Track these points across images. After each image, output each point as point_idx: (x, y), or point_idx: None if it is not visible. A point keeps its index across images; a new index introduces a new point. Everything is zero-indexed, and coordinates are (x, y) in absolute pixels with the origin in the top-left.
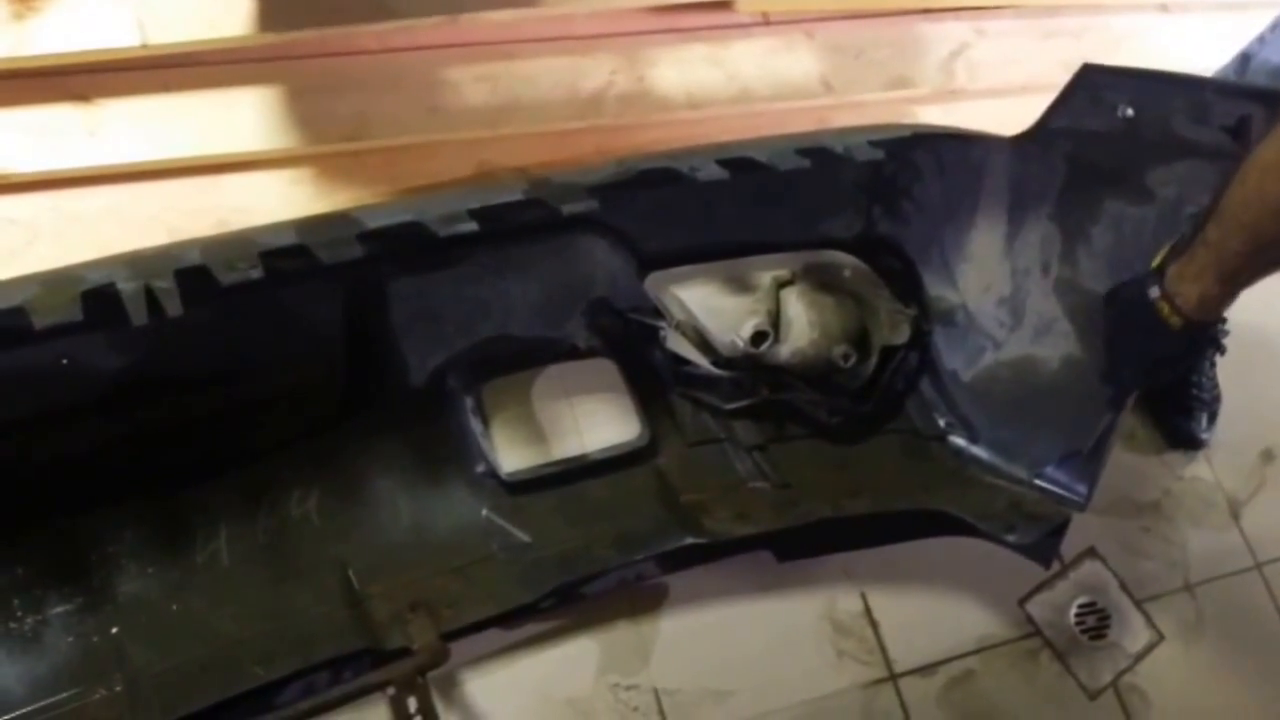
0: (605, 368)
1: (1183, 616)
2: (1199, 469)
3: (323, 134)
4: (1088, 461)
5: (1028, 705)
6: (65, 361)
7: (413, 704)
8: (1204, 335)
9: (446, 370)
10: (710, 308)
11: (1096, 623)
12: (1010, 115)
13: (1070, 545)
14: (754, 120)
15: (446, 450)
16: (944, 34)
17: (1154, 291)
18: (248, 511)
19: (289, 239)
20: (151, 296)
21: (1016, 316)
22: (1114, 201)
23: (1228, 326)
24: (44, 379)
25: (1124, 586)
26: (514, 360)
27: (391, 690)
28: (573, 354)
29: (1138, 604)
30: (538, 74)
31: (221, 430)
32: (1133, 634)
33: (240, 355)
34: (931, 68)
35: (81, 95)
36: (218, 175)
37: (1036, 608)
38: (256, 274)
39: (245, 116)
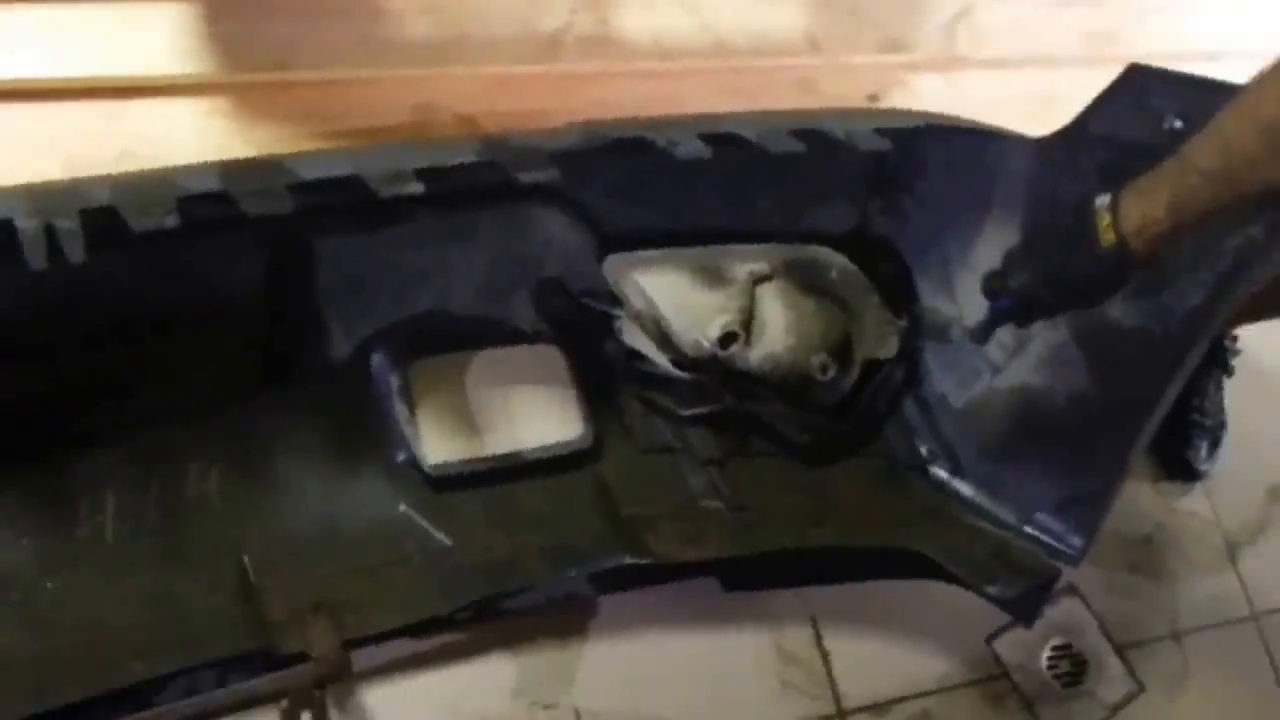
0: (550, 356)
1: (1167, 667)
2: (1196, 503)
3: (244, 60)
4: (1088, 511)
5: None
6: None
7: (306, 718)
8: (1127, 270)
9: (373, 345)
10: (675, 300)
11: (1071, 668)
12: (1017, 89)
13: None
14: (730, 78)
15: (366, 434)
16: None
17: (1103, 199)
18: (140, 484)
19: (211, 184)
20: (52, 238)
21: (1020, 340)
22: None
23: (1239, 346)
24: None
25: (1104, 629)
26: (449, 339)
27: (284, 703)
28: (515, 337)
29: (1118, 650)
30: (489, 7)
31: (118, 392)
32: (1110, 683)
33: (146, 310)
34: (932, 30)
35: None
36: (124, 100)
37: (1005, 647)
38: (173, 222)
39: (157, 34)
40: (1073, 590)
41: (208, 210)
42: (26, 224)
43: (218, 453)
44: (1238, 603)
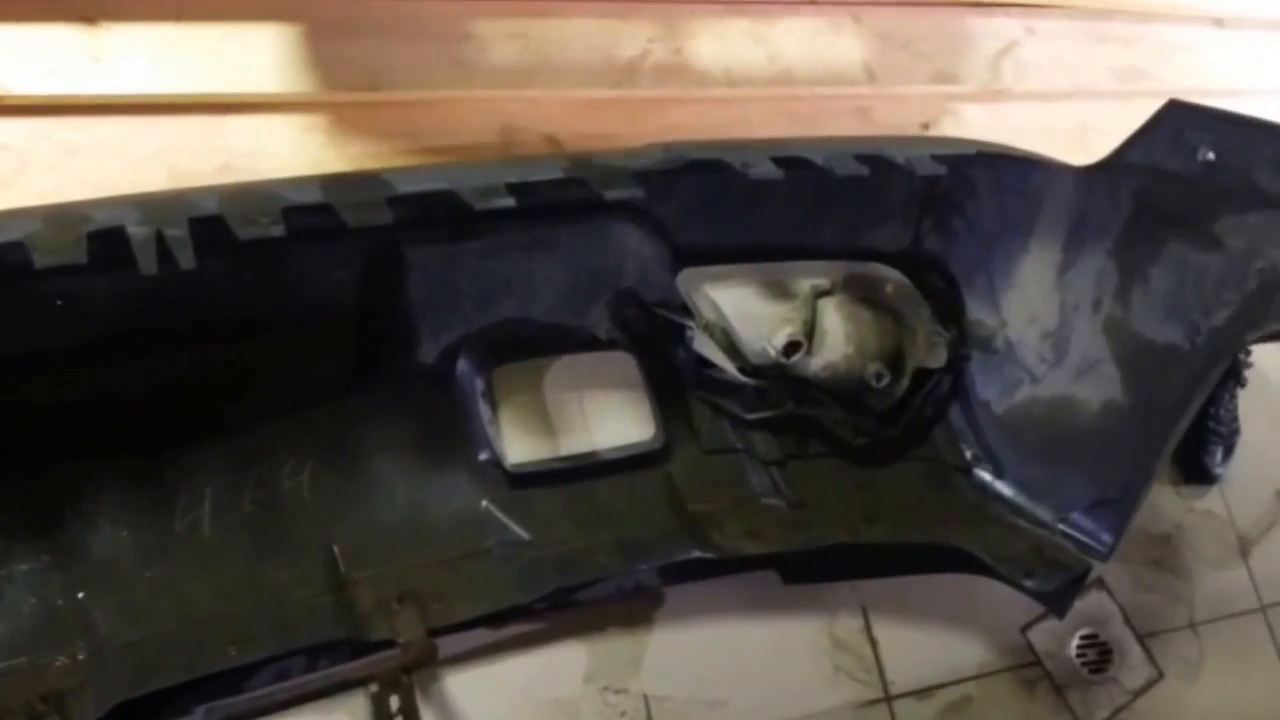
0: (625, 362)
1: (1184, 655)
2: (1213, 503)
3: (340, 80)
4: (1117, 511)
5: None
6: (60, 303)
7: (395, 702)
8: None
9: (460, 349)
10: (743, 311)
11: (1097, 656)
12: (1054, 120)
13: None
14: (792, 105)
15: (450, 434)
16: (994, 30)
17: None
18: (236, 479)
19: (314, 196)
20: (163, 244)
21: (1059, 352)
22: (1179, 245)
23: (1251, 360)
24: (36, 319)
25: (1128, 620)
26: (531, 345)
27: (374, 687)
28: (593, 344)
29: (1140, 639)
30: (571, 35)
31: (217, 391)
32: (1133, 670)
33: (246, 314)
34: (979, 64)
35: (87, 17)
36: (225, 115)
37: (1038, 636)
38: (278, 231)
39: (260, 54)
40: (1100, 583)
41: (310, 220)
42: (137, 231)
43: (310, 450)
44: (1248, 596)
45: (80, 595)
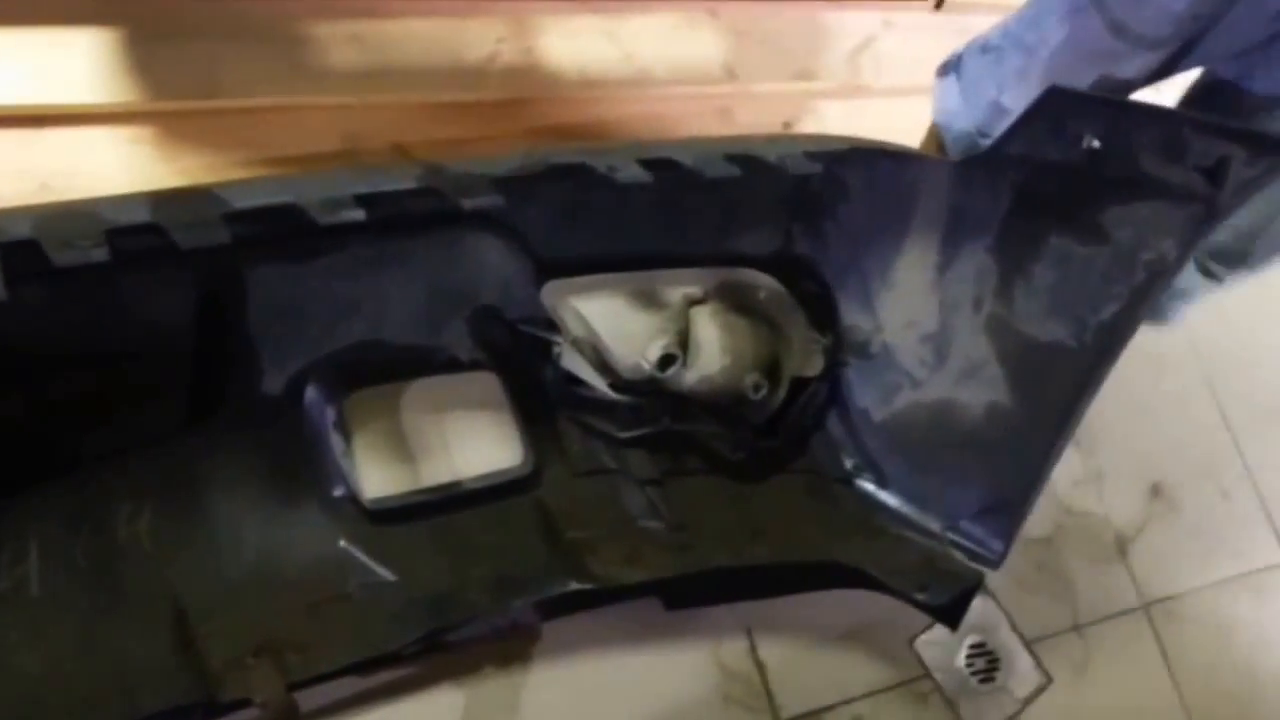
0: (487, 384)
1: (1071, 658)
2: (1090, 503)
3: (168, 88)
4: (1007, 517)
5: None
6: None
7: None
8: None
9: (306, 377)
10: (613, 324)
11: (986, 665)
12: (916, 117)
13: None
14: (652, 105)
15: (301, 470)
16: (851, 24)
17: None
18: (66, 530)
19: (141, 215)
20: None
21: (940, 355)
22: (1061, 239)
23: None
24: None
25: (1014, 626)
26: (385, 369)
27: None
28: (452, 366)
29: (1027, 645)
30: (413, 37)
31: (39, 432)
32: (1021, 677)
33: (69, 347)
34: (837, 60)
35: None
36: (40, 129)
37: (927, 648)
38: (101, 255)
39: (77, 61)
40: (985, 590)
41: (137, 242)
42: None
43: (149, 494)
44: (1129, 594)
45: None
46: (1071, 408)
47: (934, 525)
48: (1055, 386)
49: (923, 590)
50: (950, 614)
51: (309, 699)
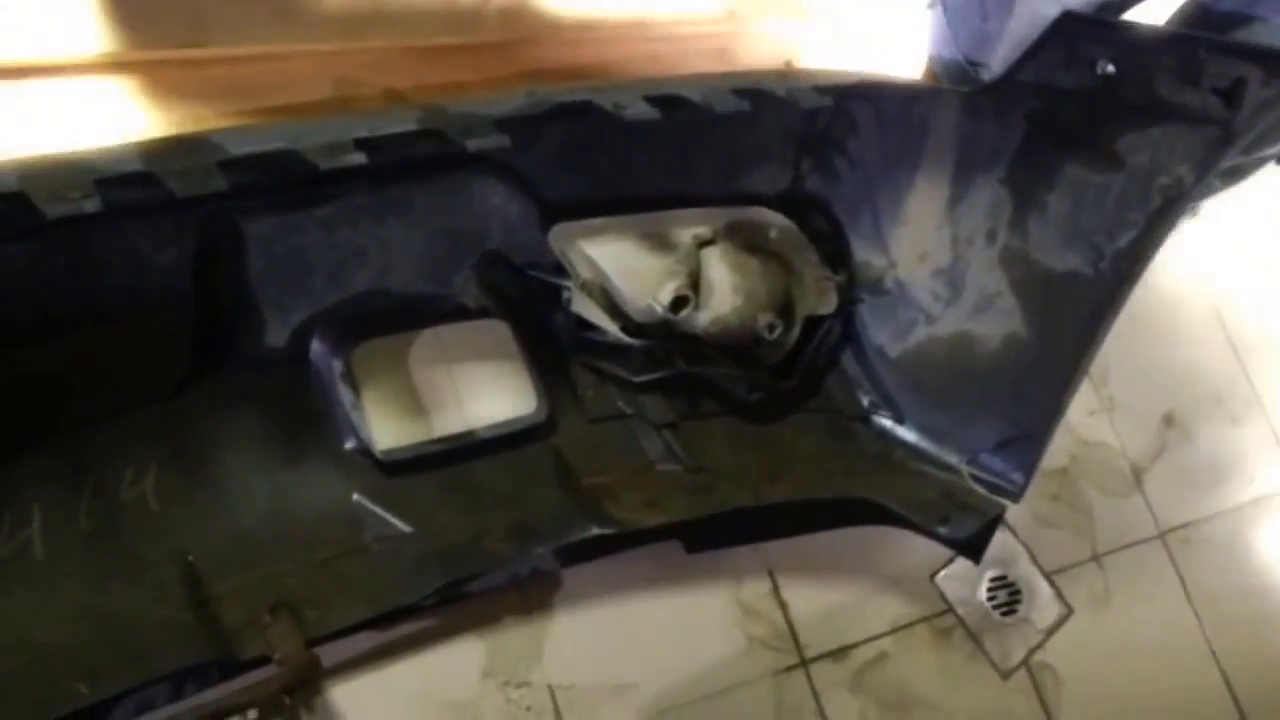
0: (497, 331)
1: (1091, 589)
2: (1104, 433)
3: (154, 37)
4: (1026, 449)
5: (941, 688)
6: None
7: None
8: None
9: (312, 329)
10: (623, 267)
11: (1008, 598)
12: (912, 54)
13: None
14: (651, 45)
15: (310, 423)
16: None
17: None
18: (68, 492)
19: (133, 165)
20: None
21: (954, 289)
22: (1075, 167)
23: None
24: None
25: (1034, 559)
26: (391, 319)
27: (253, 714)
28: (460, 314)
29: (1048, 577)
30: None
31: (38, 394)
32: (1043, 608)
33: (66, 304)
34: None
35: None
36: (23, 80)
37: (948, 583)
38: (92, 206)
39: (60, 11)
40: (1003, 524)
41: (130, 193)
42: None
43: (153, 452)
44: (1146, 523)
45: None
46: (1090, 337)
47: (953, 459)
48: (1072, 316)
49: (944, 524)
50: (972, 547)
51: (330, 654)
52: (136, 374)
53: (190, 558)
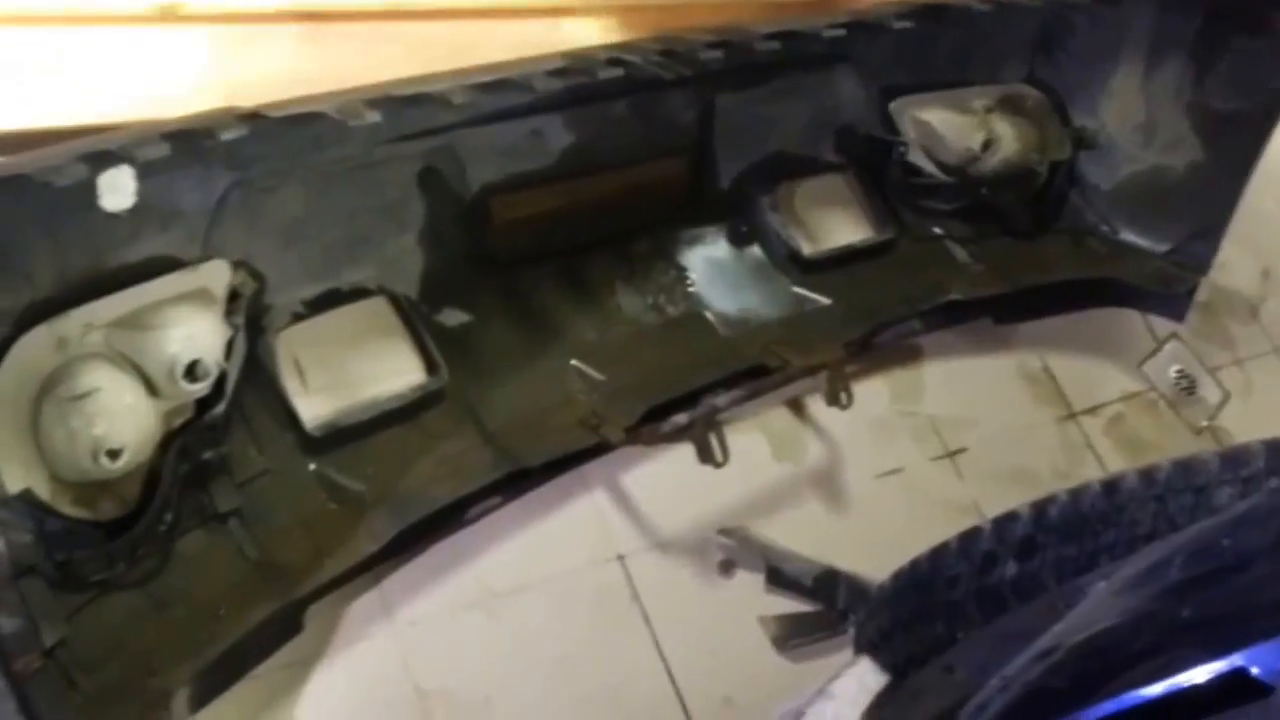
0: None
1: (1239, 381)
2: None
3: None
4: (1209, 240)
5: (1157, 440)
6: (533, 133)
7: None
8: None
9: (744, 177)
10: (939, 127)
11: (1188, 384)
12: None
13: (1162, 328)
14: None
15: (757, 241)
16: None
17: None
18: (632, 275)
19: (652, 53)
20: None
21: (1150, 136)
22: (1242, 37)
23: None
24: (519, 149)
25: (1200, 359)
26: (789, 170)
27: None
28: (825, 168)
29: (1211, 371)
30: None
31: (614, 210)
32: (1210, 392)
33: (629, 145)
34: None
35: None
36: (556, 18)
37: (1150, 369)
38: (668, 74)
39: None
40: (1177, 336)
41: (667, 71)
42: (610, 71)
43: (672, 255)
44: (1262, 342)
45: (571, 361)
46: (1253, 157)
47: (1160, 250)
48: (1239, 143)
49: (1157, 291)
50: (1175, 307)
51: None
52: (661, 201)
53: (709, 317)
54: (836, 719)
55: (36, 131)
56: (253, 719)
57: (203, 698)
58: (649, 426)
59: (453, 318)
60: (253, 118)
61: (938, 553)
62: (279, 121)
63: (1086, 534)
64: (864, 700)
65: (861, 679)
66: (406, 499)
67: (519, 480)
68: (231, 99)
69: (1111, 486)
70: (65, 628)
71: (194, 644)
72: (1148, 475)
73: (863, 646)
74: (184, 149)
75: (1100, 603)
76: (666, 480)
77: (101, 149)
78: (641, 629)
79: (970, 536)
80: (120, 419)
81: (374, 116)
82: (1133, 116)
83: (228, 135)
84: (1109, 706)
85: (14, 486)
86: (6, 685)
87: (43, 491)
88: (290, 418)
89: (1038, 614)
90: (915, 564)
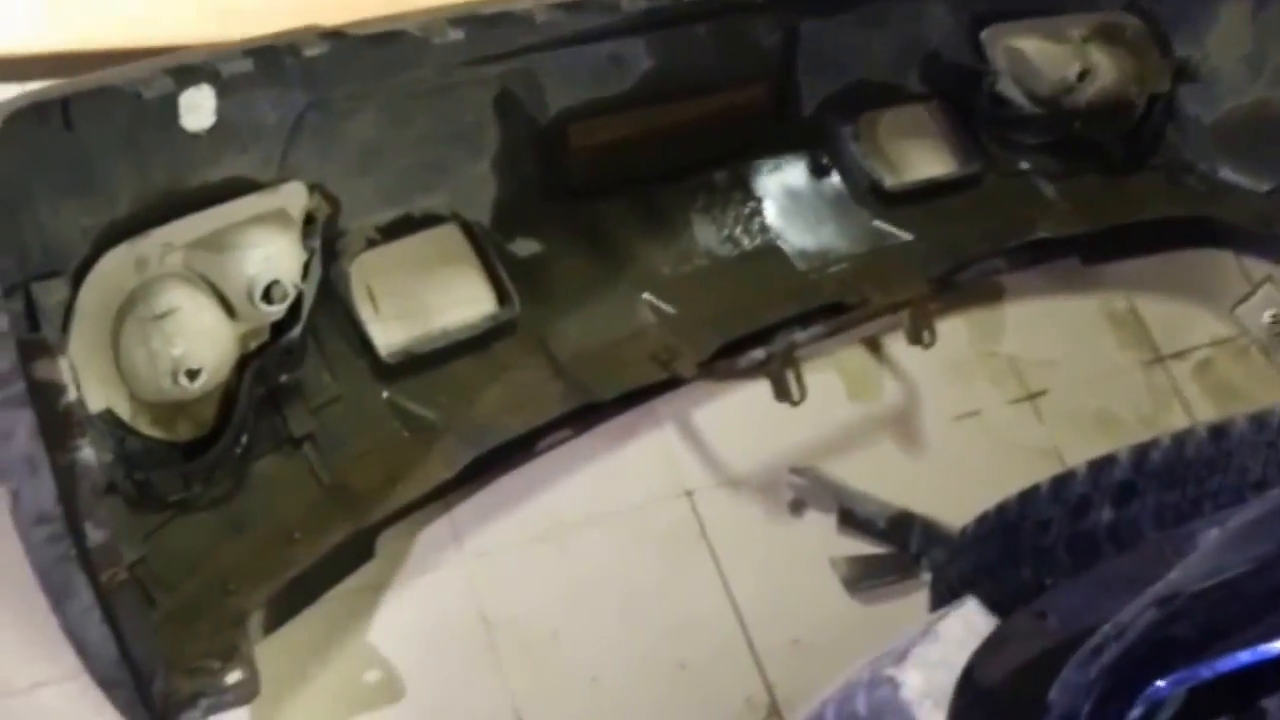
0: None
1: None
2: None
3: None
4: None
5: (1248, 388)
6: (613, 57)
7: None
8: None
9: (826, 104)
10: (1032, 57)
11: None
12: None
13: (1257, 270)
14: None
15: (838, 170)
16: None
17: None
18: (708, 206)
19: None
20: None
21: (1255, 69)
22: None
23: None
24: (598, 74)
25: None
26: (869, 101)
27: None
28: (910, 98)
29: None
30: None
31: (692, 139)
32: None
33: (711, 74)
34: None
35: None
36: None
37: (1243, 313)
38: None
39: None
40: (1271, 279)
41: None
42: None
43: (751, 185)
44: None
45: (644, 294)
46: None
47: (1261, 189)
48: None
49: (1255, 233)
50: (1276, 251)
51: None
52: (740, 128)
53: (784, 251)
54: (944, 662)
55: (112, 51)
56: (324, 642)
57: (277, 620)
58: (723, 361)
59: (525, 247)
60: (335, 35)
61: (1027, 496)
62: (360, 40)
63: (1190, 480)
64: (971, 644)
65: (969, 621)
66: (478, 428)
67: (589, 413)
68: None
69: (1220, 431)
70: (144, 546)
71: (269, 566)
72: (1260, 420)
73: (942, 591)
74: (266, 66)
75: (1221, 549)
76: (737, 417)
77: (185, 64)
78: (709, 567)
79: (1063, 480)
80: (199, 339)
81: (456, 34)
82: (1239, 47)
83: (310, 52)
84: (1242, 657)
85: (96, 405)
86: (93, 595)
87: (122, 411)
88: (364, 344)
89: (1144, 560)
90: (1002, 507)
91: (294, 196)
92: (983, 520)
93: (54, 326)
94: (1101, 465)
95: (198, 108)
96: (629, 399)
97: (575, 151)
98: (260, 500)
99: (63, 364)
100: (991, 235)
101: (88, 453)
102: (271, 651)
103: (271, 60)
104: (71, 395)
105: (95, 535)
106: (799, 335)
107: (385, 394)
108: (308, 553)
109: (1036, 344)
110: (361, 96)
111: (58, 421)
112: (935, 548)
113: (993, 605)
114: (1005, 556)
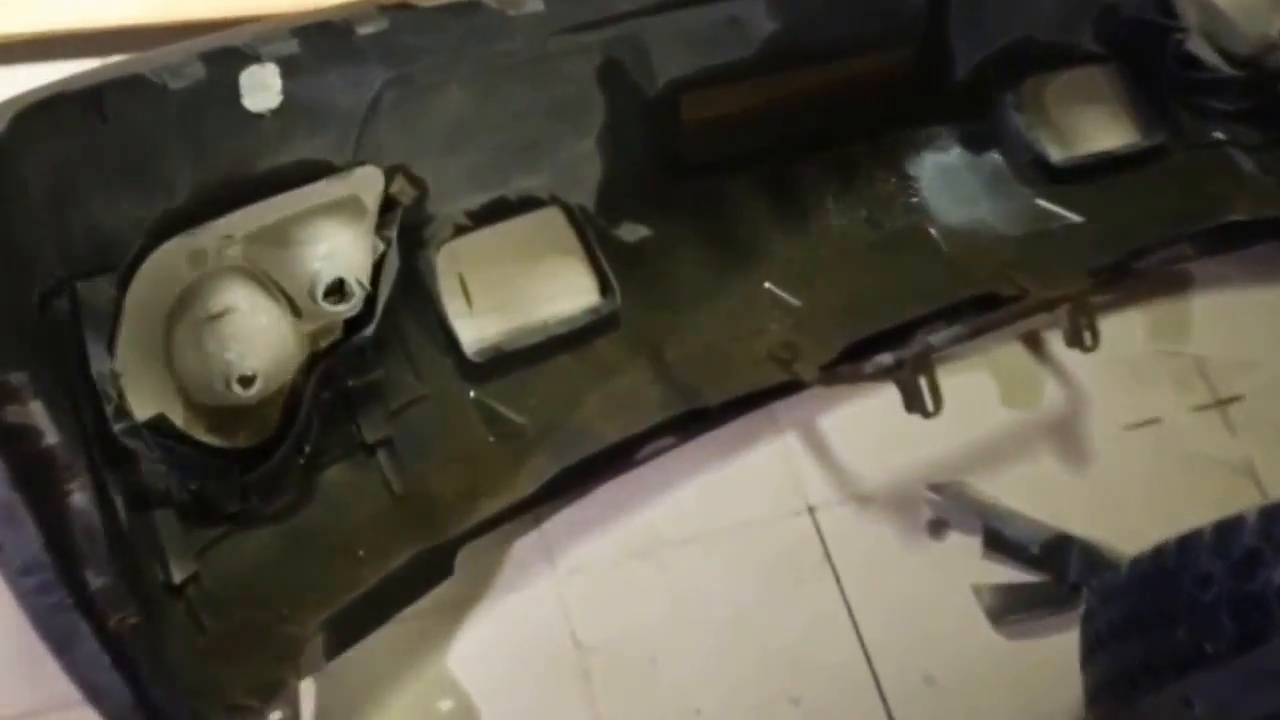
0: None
1: None
2: None
3: None
4: None
5: None
6: (730, 19)
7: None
8: None
9: (983, 68)
10: (1229, 9)
11: None
12: None
13: None
14: None
15: (994, 140)
16: None
17: None
18: (844, 185)
19: None
20: None
21: None
22: None
23: None
24: (713, 38)
25: None
26: (1038, 62)
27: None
28: (1082, 59)
29: None
30: None
31: (825, 109)
32: None
33: (846, 36)
34: None
35: None
36: None
37: None
38: None
39: None
40: None
41: None
42: None
43: (893, 161)
44: None
45: (765, 284)
46: None
47: None
48: None
49: None
50: None
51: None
52: (880, 99)
53: (934, 232)
54: None
55: (199, 21)
56: (394, 667)
57: (342, 643)
58: (849, 365)
59: (632, 232)
60: (401, 8)
61: (1186, 542)
62: (432, 11)
63: None
64: None
65: None
66: (572, 435)
67: (696, 420)
68: None
69: None
70: (196, 563)
71: (330, 588)
72: None
73: (1090, 639)
74: (334, 41)
75: None
76: (869, 423)
77: (243, 43)
78: (832, 592)
79: (1229, 527)
80: (255, 342)
81: (535, 4)
82: None
83: (367, 29)
84: None
85: (145, 410)
86: (99, 644)
87: (175, 416)
88: (450, 340)
89: None
90: (1159, 551)
91: (368, 181)
92: (1136, 563)
93: (100, 328)
94: (1275, 514)
95: (263, 87)
96: (742, 404)
97: (689, 125)
98: (326, 514)
99: (35, 407)
100: (1178, 217)
101: (79, 497)
102: (335, 677)
103: (341, 35)
104: (52, 439)
105: (96, 581)
106: (937, 337)
107: (472, 394)
108: (375, 571)
109: (1229, 343)
110: (446, 69)
111: (38, 467)
112: (1096, 579)
113: (1144, 667)
114: (1160, 610)
